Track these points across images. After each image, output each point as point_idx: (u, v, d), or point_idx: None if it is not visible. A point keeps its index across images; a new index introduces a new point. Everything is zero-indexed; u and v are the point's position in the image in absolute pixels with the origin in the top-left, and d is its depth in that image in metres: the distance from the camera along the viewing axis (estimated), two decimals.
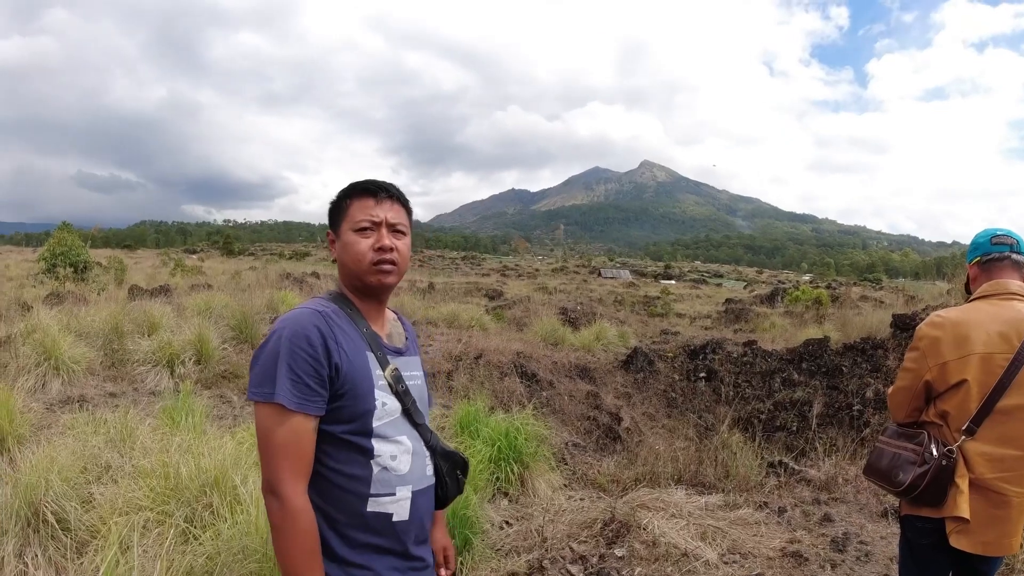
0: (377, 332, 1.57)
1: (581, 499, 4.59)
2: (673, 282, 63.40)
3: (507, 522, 4.04)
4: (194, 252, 55.50)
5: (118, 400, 5.99)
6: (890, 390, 2.30)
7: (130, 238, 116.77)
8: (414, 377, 1.61)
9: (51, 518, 3.18)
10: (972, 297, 2.24)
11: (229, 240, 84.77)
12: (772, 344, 11.84)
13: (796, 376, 9.88)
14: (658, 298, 31.90)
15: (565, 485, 5.01)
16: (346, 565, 1.44)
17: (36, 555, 2.97)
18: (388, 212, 1.55)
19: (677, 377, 10.66)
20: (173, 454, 3.61)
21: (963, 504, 2.03)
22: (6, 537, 3.14)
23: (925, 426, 2.19)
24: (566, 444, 6.27)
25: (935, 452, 2.07)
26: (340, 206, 1.58)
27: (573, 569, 3.37)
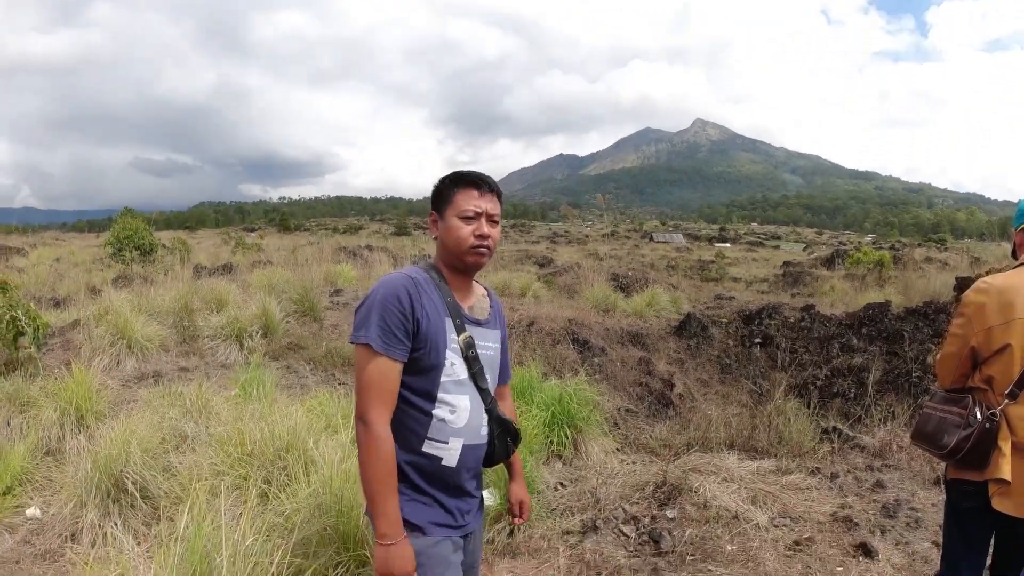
0: (460, 303, 1.79)
1: (633, 463, 4.70)
2: (728, 245, 61.94)
3: (561, 483, 4.20)
4: (253, 230, 57.19)
5: (191, 374, 6.33)
6: (937, 356, 2.32)
7: (191, 219, 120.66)
8: (488, 347, 1.83)
9: (131, 487, 3.40)
10: (1018, 263, 2.23)
11: (285, 217, 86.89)
12: (831, 309, 11.57)
13: (855, 342, 9.64)
14: (712, 262, 31.30)
15: (618, 449, 5.12)
16: (404, 484, 1.71)
17: (116, 524, 3.15)
18: (488, 204, 1.78)
19: (732, 343, 10.53)
20: (247, 422, 3.85)
21: (1005, 466, 2.06)
22: (85, 508, 3.36)
23: (971, 391, 2.21)
24: (618, 409, 6.36)
25: (979, 415, 2.10)
26: (446, 192, 1.80)
27: (626, 529, 3.50)
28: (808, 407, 6.36)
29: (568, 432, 4.76)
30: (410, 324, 1.66)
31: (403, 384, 1.70)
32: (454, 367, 1.72)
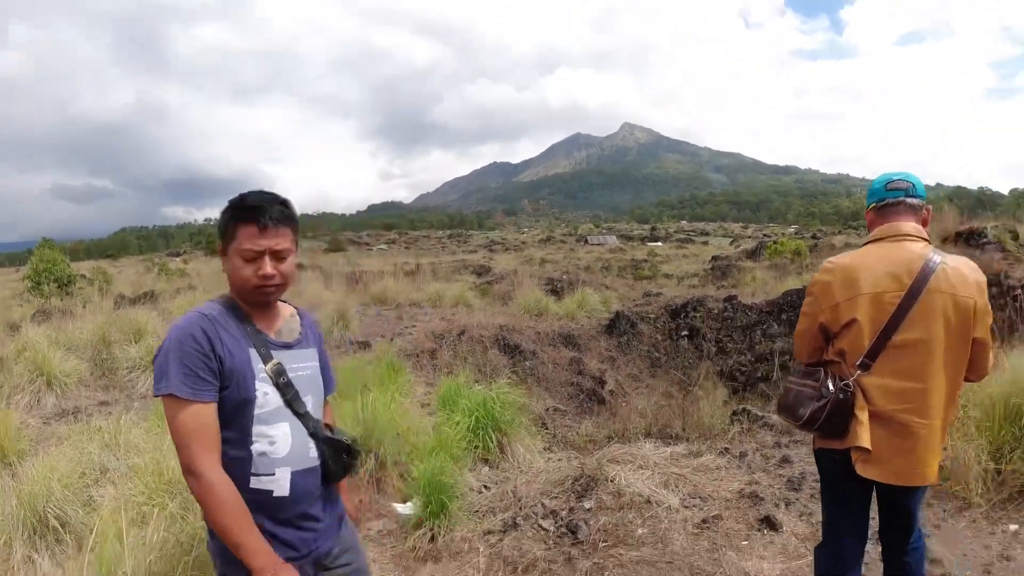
0: (263, 330, 1.74)
1: (559, 460, 4.83)
2: (660, 244, 63.63)
3: (485, 486, 4.29)
4: (178, 254, 55.26)
5: (111, 408, 6.20)
6: (794, 334, 2.50)
7: (112, 247, 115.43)
8: (303, 368, 1.79)
9: (54, 522, 3.41)
10: (865, 241, 2.38)
11: (211, 239, 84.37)
12: (753, 298, 12.05)
13: (776, 327, 10.13)
14: (645, 261, 32.16)
15: (545, 448, 5.23)
16: None
17: (43, 560, 3.15)
18: (271, 241, 1.66)
19: (660, 337, 10.89)
20: (165, 452, 3.83)
21: (863, 434, 2.17)
22: (13, 547, 3.33)
23: (827, 364, 2.35)
24: (547, 410, 6.51)
25: (831, 387, 2.22)
26: (228, 227, 1.68)
27: (545, 524, 3.63)
28: (735, 393, 6.64)
29: (493, 436, 4.85)
30: (213, 362, 1.59)
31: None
32: (267, 396, 1.67)
